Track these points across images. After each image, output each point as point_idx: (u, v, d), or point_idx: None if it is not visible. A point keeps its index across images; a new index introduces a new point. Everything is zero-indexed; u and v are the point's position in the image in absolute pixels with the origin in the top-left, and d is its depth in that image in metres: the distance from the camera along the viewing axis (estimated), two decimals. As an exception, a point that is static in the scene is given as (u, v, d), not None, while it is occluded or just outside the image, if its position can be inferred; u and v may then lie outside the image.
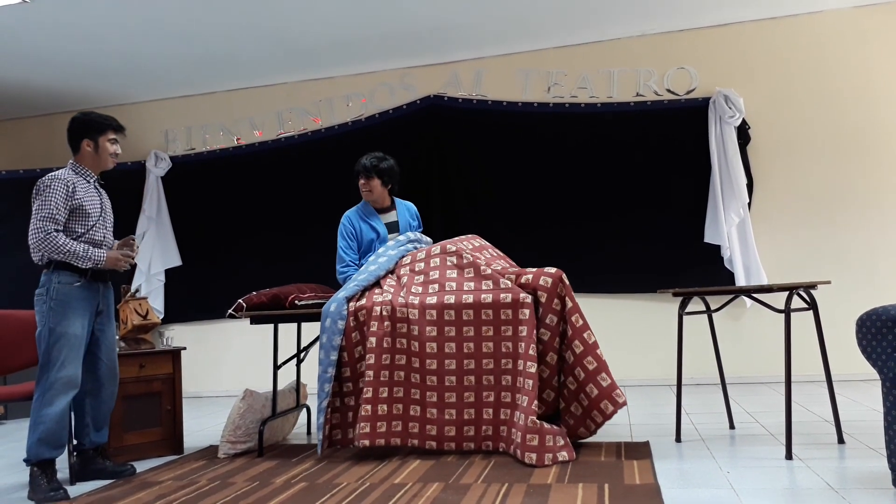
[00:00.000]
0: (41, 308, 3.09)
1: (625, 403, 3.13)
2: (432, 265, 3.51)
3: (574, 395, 3.22)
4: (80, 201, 3.16)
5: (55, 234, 3.06)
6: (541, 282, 3.25)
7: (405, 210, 4.04)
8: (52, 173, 3.16)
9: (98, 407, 3.29)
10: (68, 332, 3.07)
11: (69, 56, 5.47)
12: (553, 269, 3.29)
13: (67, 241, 3.08)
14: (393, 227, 3.94)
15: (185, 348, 3.99)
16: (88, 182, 3.26)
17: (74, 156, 3.28)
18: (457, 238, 3.68)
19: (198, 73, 5.99)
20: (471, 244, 3.63)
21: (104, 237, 3.28)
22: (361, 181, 3.87)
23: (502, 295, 3.24)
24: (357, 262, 3.85)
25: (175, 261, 6.30)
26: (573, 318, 3.21)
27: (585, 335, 3.19)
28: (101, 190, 3.35)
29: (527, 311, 3.18)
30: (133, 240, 3.32)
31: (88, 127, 3.26)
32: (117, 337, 3.63)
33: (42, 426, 2.99)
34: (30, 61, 5.53)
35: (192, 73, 5.98)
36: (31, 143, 6.78)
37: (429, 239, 3.98)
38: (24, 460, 3.02)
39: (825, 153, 5.27)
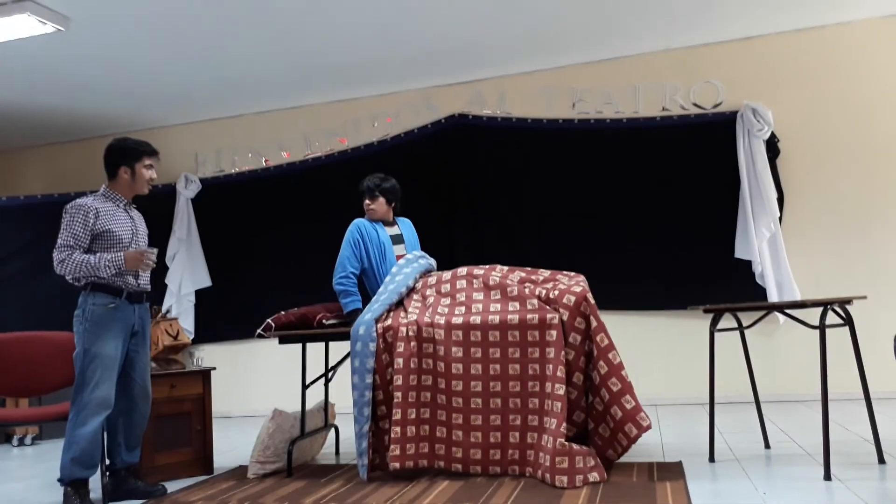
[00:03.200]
0: (78, 329, 3.15)
1: (649, 427, 3.06)
2: (458, 287, 3.51)
3: (601, 416, 3.17)
4: (105, 226, 3.21)
5: (69, 255, 3.11)
6: (564, 300, 3.21)
7: (405, 226, 4.12)
8: (76, 200, 3.23)
9: (131, 427, 3.32)
10: (102, 352, 3.11)
11: (102, 82, 5.61)
12: (579, 288, 3.24)
13: (82, 256, 3.13)
14: (397, 239, 4.00)
15: (214, 368, 4.02)
16: (118, 206, 3.32)
17: (109, 181, 3.34)
18: (484, 266, 3.65)
19: (226, 96, 6.10)
20: (499, 270, 3.58)
21: None
22: (367, 201, 3.98)
23: (529, 315, 3.21)
24: (357, 276, 3.83)
25: (205, 281, 6.37)
26: (598, 338, 3.15)
27: (610, 355, 3.13)
28: (132, 213, 3.40)
29: (554, 333, 3.14)
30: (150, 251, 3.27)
31: (125, 154, 3.32)
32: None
33: (76, 446, 3.03)
34: (65, 88, 5.67)
35: (221, 96, 6.09)
36: (66, 167, 6.94)
37: (433, 261, 4.00)
38: (58, 480, 3.06)
39: (857, 165, 5.18)
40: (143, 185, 3.37)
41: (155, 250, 3.27)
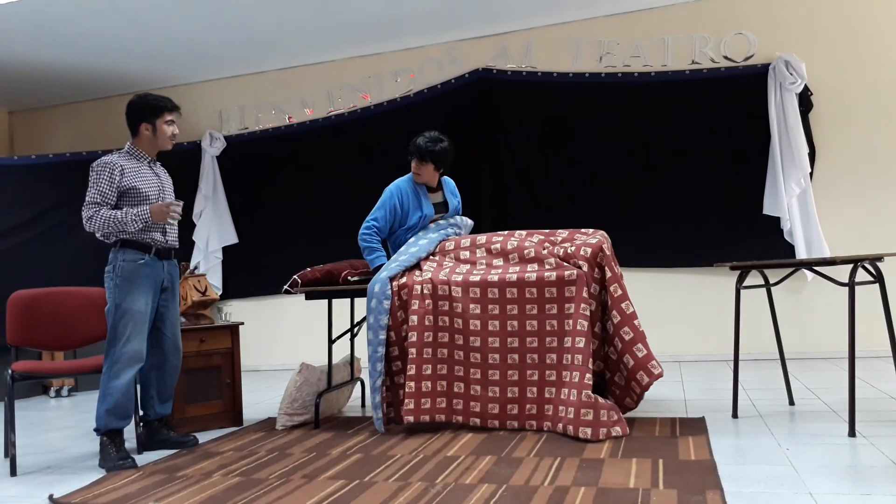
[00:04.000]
0: (109, 285, 3.21)
1: (660, 375, 3.09)
2: (478, 255, 3.52)
3: (616, 365, 3.22)
4: (131, 182, 3.23)
5: (96, 211, 3.15)
6: (581, 252, 3.25)
7: (449, 190, 3.95)
8: (101, 158, 3.25)
9: (163, 380, 3.41)
10: (133, 308, 3.18)
11: (125, 39, 5.60)
12: (595, 240, 3.27)
13: (109, 212, 3.16)
14: (440, 208, 3.86)
15: (242, 323, 4.09)
16: (142, 163, 3.33)
17: (133, 138, 3.35)
18: (502, 233, 3.63)
19: (249, 53, 6.06)
20: (517, 236, 3.58)
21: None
22: (414, 163, 3.76)
23: (547, 273, 3.23)
24: (383, 234, 3.75)
25: (231, 238, 6.44)
26: (612, 288, 3.20)
27: (623, 305, 3.16)
28: (157, 170, 3.41)
29: (573, 289, 3.16)
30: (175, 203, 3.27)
31: (145, 111, 3.31)
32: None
33: (110, 398, 3.12)
34: (86, 45, 5.68)
35: (244, 53, 6.06)
36: (90, 125, 6.99)
37: (469, 221, 3.96)
38: (94, 430, 3.16)
39: (892, 119, 5.03)
40: (166, 141, 3.37)
41: (180, 203, 3.29)
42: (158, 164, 3.44)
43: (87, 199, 3.18)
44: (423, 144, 3.72)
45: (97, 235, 3.24)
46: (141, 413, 3.44)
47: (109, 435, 3.14)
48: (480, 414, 3.27)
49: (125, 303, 3.17)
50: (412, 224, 3.77)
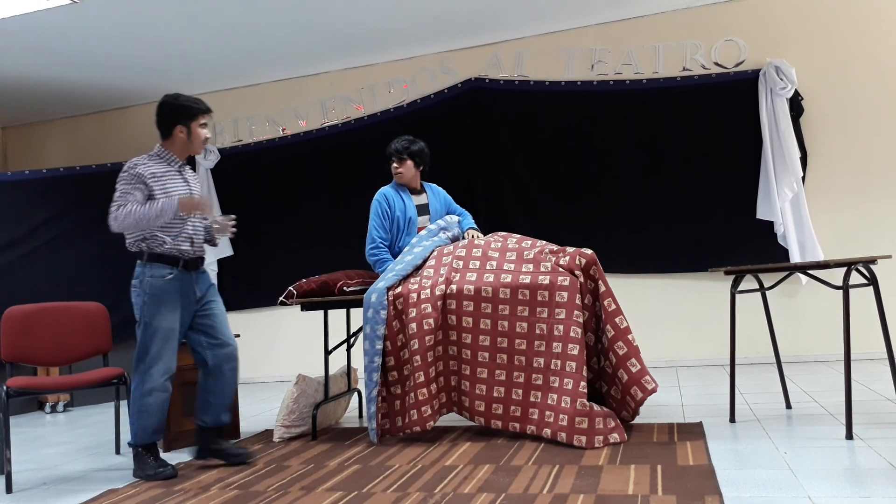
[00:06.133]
0: (137, 301, 3.12)
1: (654, 390, 3.09)
2: (476, 244, 3.56)
3: (611, 378, 3.22)
4: (159, 186, 3.10)
5: (121, 208, 3.01)
6: (576, 262, 3.27)
7: (434, 194, 4.03)
8: (131, 161, 3.13)
9: (219, 388, 3.25)
10: (162, 325, 3.08)
11: (118, 54, 5.61)
12: (589, 252, 3.29)
13: (134, 206, 3.01)
14: (423, 210, 3.94)
15: (238, 335, 4.08)
16: (171, 166, 3.20)
17: (163, 140, 3.21)
18: (498, 233, 3.67)
19: (242, 65, 6.08)
20: (513, 237, 3.62)
21: (194, 226, 3.22)
22: (394, 164, 3.89)
23: (540, 277, 3.24)
24: (387, 244, 3.82)
25: (227, 251, 6.43)
26: (605, 303, 3.20)
27: (617, 320, 3.17)
28: (186, 176, 3.27)
29: (565, 294, 3.16)
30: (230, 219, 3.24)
31: (180, 112, 3.16)
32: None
33: (146, 414, 3.06)
34: (80, 61, 5.69)
35: (237, 65, 6.07)
36: (85, 140, 6.98)
37: (456, 218, 3.96)
38: (129, 443, 3.13)
39: (883, 122, 5.06)
40: (199, 145, 3.23)
41: (233, 217, 3.21)
42: (188, 168, 3.30)
43: (112, 205, 3.05)
44: (399, 144, 3.91)
45: (128, 242, 3.12)
46: (198, 420, 3.28)
47: (145, 446, 3.10)
48: (469, 409, 3.30)
49: (154, 320, 3.08)
50: (400, 226, 3.82)
